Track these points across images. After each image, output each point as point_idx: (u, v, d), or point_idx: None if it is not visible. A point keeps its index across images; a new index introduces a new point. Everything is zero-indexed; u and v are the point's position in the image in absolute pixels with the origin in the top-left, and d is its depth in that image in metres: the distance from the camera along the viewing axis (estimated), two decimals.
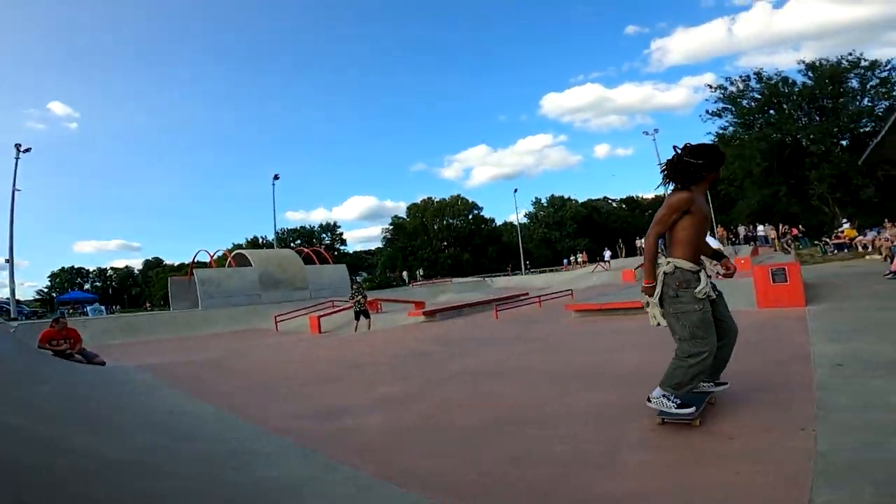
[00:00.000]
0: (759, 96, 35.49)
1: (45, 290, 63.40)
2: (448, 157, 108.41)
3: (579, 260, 38.25)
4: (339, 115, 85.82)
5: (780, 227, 24.24)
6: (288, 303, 20.10)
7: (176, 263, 62.58)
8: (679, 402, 2.95)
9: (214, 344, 13.39)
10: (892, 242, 12.02)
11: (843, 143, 33.58)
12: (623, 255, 33.76)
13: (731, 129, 37.81)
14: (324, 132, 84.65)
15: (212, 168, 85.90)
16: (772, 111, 35.49)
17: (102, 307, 33.15)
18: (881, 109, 31.48)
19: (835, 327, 5.39)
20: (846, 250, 19.98)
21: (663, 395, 3.01)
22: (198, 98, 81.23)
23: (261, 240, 58.05)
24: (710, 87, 37.86)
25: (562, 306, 11.40)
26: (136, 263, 71.95)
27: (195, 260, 28.79)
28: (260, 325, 17.84)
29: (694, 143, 3.01)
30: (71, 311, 33.54)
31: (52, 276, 66.29)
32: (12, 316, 21.80)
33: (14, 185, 24.24)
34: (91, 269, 70.06)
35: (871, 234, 18.77)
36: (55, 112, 71.64)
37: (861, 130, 32.48)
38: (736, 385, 3.71)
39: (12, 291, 25.03)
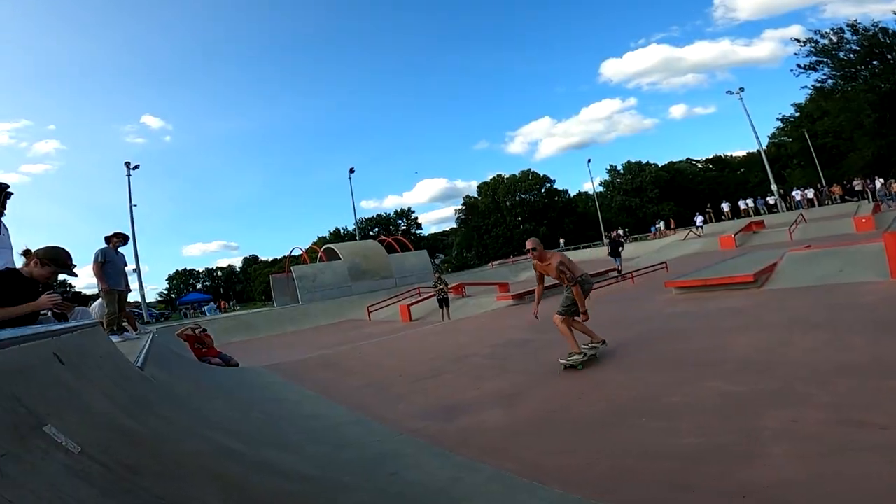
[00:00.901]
0: (858, 48, 33.46)
1: (165, 291, 71.34)
2: (509, 132, 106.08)
3: (669, 227, 36.05)
4: (393, 103, 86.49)
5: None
6: (376, 292, 21.05)
7: (270, 259, 67.40)
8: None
9: (317, 338, 14.38)
10: None
11: None
12: (713, 219, 31.51)
13: (829, 81, 36.12)
14: (382, 120, 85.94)
15: (286, 165, 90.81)
16: (875, 62, 33.28)
17: (216, 306, 36.76)
18: None
19: None
20: None
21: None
22: (258, 97, 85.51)
23: (342, 231, 60.76)
24: (799, 41, 36.18)
25: (657, 281, 10.96)
26: (237, 261, 78.38)
27: (290, 255, 31.07)
28: (354, 316, 18.86)
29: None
30: (192, 311, 37.50)
31: (170, 279, 74.12)
32: (146, 320, 24.85)
33: (130, 200, 27.47)
34: (200, 270, 77.53)
35: None
36: (150, 126, 78.87)
37: None
38: (881, 372, 3.44)
39: (142, 297, 28.61)
